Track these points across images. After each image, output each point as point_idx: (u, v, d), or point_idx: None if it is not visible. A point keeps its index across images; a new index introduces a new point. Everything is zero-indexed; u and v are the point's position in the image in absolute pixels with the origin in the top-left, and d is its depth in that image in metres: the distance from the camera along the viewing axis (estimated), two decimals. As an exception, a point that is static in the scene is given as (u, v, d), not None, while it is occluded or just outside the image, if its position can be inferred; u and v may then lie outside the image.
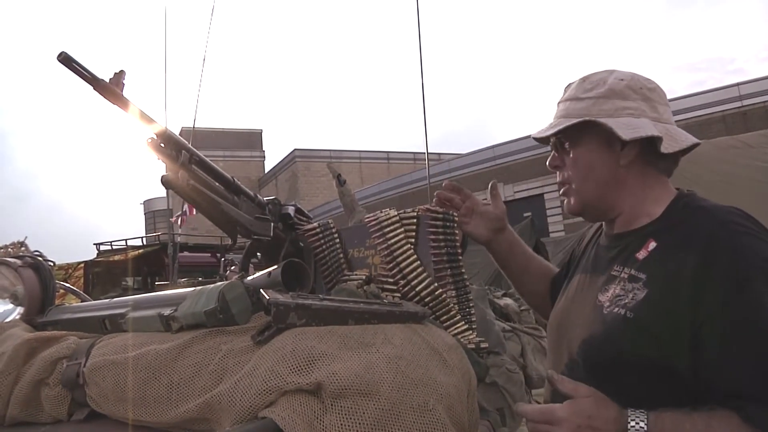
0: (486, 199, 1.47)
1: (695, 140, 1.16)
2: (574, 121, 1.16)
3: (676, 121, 1.19)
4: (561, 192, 1.25)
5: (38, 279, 1.38)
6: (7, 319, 1.33)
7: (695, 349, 0.97)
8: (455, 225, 1.40)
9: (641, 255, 1.10)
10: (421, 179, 20.71)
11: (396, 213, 1.41)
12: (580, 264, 1.31)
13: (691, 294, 0.98)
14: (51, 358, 1.07)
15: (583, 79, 1.21)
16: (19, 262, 1.39)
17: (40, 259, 1.43)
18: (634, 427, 0.94)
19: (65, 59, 1.03)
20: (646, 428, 0.94)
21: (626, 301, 1.07)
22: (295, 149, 37.70)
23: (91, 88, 1.06)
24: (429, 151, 8.39)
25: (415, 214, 1.40)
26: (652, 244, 1.10)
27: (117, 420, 0.98)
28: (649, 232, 1.13)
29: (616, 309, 1.08)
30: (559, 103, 1.24)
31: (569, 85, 1.25)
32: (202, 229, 14.54)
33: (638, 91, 1.16)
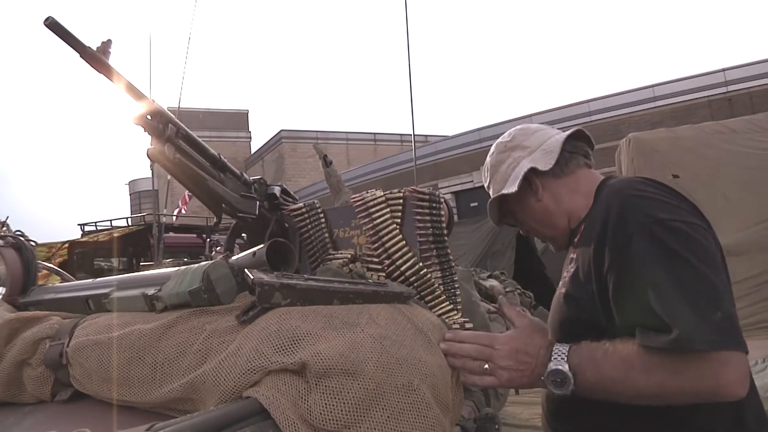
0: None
1: (563, 134, 1.38)
2: (494, 201, 1.42)
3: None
4: (543, 240, 1.49)
5: (20, 259, 1.37)
6: (-12, 299, 1.32)
7: (603, 302, 1.16)
8: (441, 206, 1.40)
9: (576, 239, 1.32)
10: (408, 161, 20.57)
11: (382, 193, 1.40)
12: None
13: (594, 257, 1.18)
14: (33, 338, 1.07)
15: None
16: (0, 242, 1.38)
17: (22, 239, 1.41)
18: (558, 350, 1.12)
19: (52, 24, 1.00)
20: (567, 352, 1.11)
21: (566, 280, 1.29)
22: (281, 130, 37.36)
23: (78, 55, 1.04)
24: (416, 133, 8.36)
25: (402, 194, 1.40)
26: (582, 228, 1.31)
27: (101, 400, 0.98)
28: (582, 220, 1.33)
29: (563, 289, 1.29)
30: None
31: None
32: (187, 209, 14.41)
33: (504, 150, 1.43)
